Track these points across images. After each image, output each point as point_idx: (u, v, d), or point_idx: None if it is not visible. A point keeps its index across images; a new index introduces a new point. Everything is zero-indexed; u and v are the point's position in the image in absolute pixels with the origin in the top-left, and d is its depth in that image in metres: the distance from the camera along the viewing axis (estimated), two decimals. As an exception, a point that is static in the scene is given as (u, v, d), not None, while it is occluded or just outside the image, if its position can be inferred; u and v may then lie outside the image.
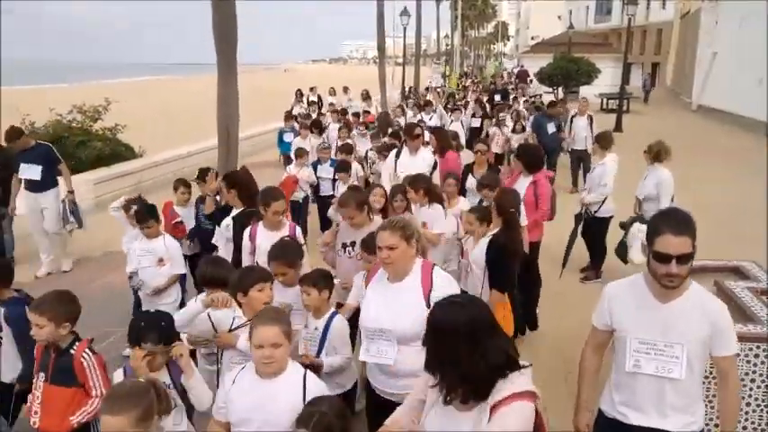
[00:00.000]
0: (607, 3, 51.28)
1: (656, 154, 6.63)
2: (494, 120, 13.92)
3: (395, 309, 2.98)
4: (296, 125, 12.18)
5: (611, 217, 7.10)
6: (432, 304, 2.60)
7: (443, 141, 7.63)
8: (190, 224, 6.13)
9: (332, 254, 4.87)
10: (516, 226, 4.76)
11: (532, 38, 62.90)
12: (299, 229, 4.86)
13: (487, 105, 15.38)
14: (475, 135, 13.84)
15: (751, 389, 3.61)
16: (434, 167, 6.92)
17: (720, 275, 4.50)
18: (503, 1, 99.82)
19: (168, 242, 5.11)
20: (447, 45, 55.02)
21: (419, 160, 6.81)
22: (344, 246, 4.63)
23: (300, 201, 8.49)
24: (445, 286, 2.98)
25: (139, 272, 5.03)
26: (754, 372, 3.59)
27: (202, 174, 6.01)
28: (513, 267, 4.72)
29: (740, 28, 22.18)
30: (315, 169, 8.73)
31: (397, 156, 7.04)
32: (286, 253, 3.95)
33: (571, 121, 12.37)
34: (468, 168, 7.13)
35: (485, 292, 4.57)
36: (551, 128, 12.11)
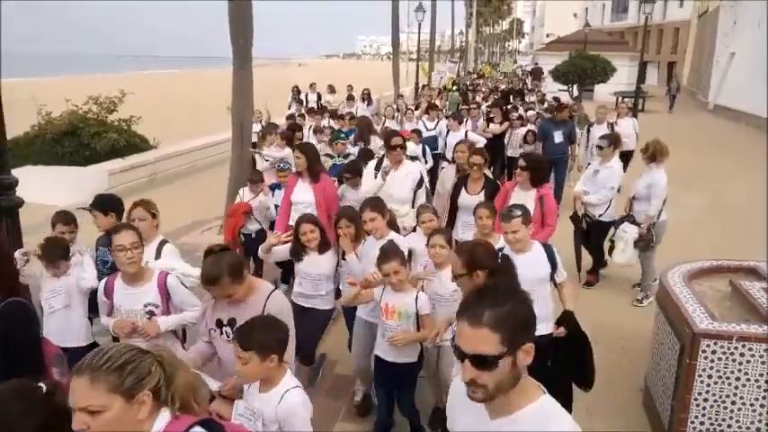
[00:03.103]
0: (623, 1, 50.91)
1: (652, 154, 6.32)
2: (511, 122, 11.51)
3: None
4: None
5: (613, 221, 6.70)
6: None
7: (538, 168, 5.52)
8: None
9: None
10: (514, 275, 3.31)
11: (547, 35, 62.57)
12: (171, 280, 3.51)
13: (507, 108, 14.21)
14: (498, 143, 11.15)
15: (767, 390, 3.58)
16: (420, 185, 5.87)
17: (736, 276, 4.47)
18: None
19: None
20: (462, 42, 54.80)
21: (401, 176, 5.80)
22: (220, 324, 3.25)
23: (254, 234, 6.49)
24: None
25: None
26: (769, 373, 3.56)
27: (104, 204, 4.36)
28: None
29: (759, 28, 21.93)
30: (273, 193, 6.77)
31: (377, 170, 5.90)
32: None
33: (588, 131, 10.49)
34: (462, 182, 5.79)
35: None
36: (558, 137, 9.90)
